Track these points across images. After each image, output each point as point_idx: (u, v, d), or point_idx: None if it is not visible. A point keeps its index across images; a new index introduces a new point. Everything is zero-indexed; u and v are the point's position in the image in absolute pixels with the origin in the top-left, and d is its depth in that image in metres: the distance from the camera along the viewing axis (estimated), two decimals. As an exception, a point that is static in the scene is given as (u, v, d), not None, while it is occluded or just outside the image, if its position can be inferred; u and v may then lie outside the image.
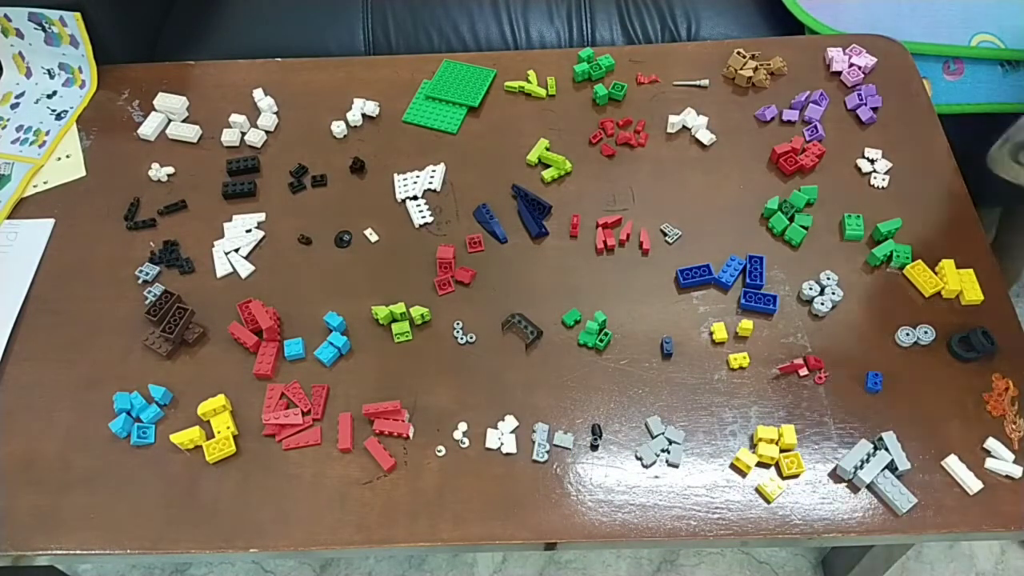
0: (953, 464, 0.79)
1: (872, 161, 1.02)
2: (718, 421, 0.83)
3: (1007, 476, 0.79)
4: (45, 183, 1.03)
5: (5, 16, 1.10)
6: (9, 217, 1.00)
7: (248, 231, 0.98)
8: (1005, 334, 0.87)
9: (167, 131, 1.08)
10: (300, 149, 1.06)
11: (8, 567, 0.97)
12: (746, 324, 0.88)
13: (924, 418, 0.83)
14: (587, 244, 0.96)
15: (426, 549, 0.78)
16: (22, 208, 1.01)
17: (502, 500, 0.79)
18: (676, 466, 0.81)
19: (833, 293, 0.90)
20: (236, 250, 0.97)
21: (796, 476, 0.80)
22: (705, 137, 1.04)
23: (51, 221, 1.00)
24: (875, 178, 1.00)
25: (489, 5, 1.30)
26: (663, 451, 0.81)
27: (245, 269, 0.95)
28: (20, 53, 1.14)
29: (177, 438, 0.82)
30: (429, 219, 0.99)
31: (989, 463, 0.80)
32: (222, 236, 0.98)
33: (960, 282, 0.90)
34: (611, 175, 1.02)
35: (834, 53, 1.11)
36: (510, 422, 0.83)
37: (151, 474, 0.81)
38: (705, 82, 1.10)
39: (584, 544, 0.78)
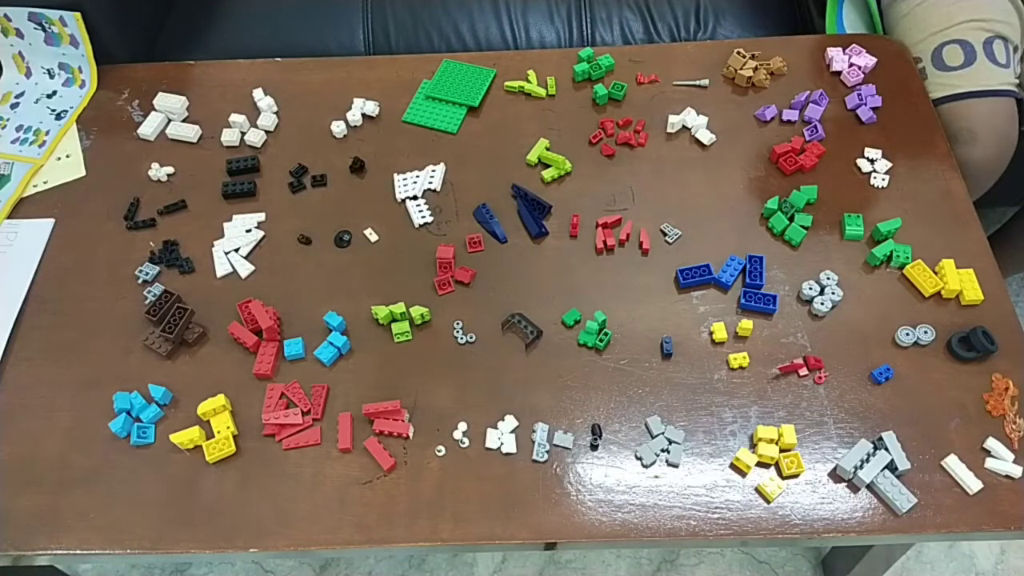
0: (953, 464, 0.79)
1: (872, 161, 1.02)
2: (718, 421, 0.83)
3: (1007, 476, 0.79)
4: (45, 183, 1.03)
5: (5, 16, 1.10)
6: (9, 217, 1.00)
7: (248, 231, 0.98)
8: (1005, 334, 0.87)
9: (167, 131, 1.08)
10: (300, 149, 1.06)
11: (8, 567, 0.97)
12: (746, 324, 0.88)
13: (924, 418, 0.83)
14: (587, 244, 0.96)
15: (426, 549, 0.78)
16: (22, 208, 1.01)
17: (502, 500, 0.79)
18: (676, 466, 0.81)
19: (833, 293, 0.90)
20: (236, 250, 0.97)
21: (796, 476, 0.80)
22: (705, 137, 1.04)
23: (51, 221, 1.00)
24: (875, 178, 1.00)
25: (489, 5, 1.30)
26: (663, 451, 0.81)
27: (245, 269, 0.95)
28: (20, 53, 1.14)
29: (177, 438, 0.82)
30: (429, 219, 0.99)
31: (989, 463, 0.80)
32: (222, 236, 0.98)
33: (960, 282, 0.90)
34: (611, 175, 1.02)
35: (834, 53, 1.11)
36: (510, 422, 0.83)
37: (151, 474, 0.81)
38: (705, 82, 1.10)
39: (584, 544, 0.78)
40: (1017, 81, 1.09)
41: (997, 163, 1.10)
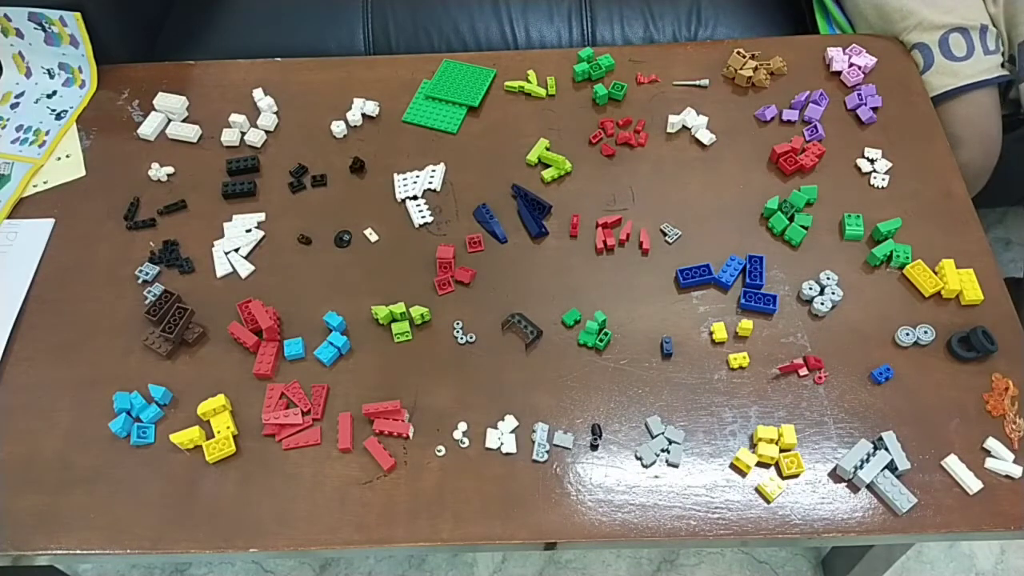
0: (953, 464, 0.79)
1: (872, 161, 1.02)
2: (718, 421, 0.83)
3: (1007, 476, 0.79)
4: (45, 183, 1.03)
5: (5, 16, 1.10)
6: (9, 217, 1.00)
7: (248, 231, 0.98)
8: (1005, 334, 0.87)
9: (167, 131, 1.08)
10: (300, 149, 1.06)
11: (8, 567, 0.97)
12: (746, 324, 0.88)
13: (924, 418, 0.83)
14: (587, 244, 0.96)
15: (426, 549, 0.78)
16: (22, 208, 1.01)
17: (502, 500, 0.79)
18: (676, 466, 0.81)
19: (833, 293, 0.90)
20: (236, 250, 0.97)
21: (796, 476, 0.80)
22: (705, 137, 1.04)
23: (51, 221, 1.00)
24: (875, 178, 1.00)
25: (489, 5, 1.30)
26: (663, 451, 0.81)
27: (245, 269, 0.95)
28: (20, 53, 1.14)
29: (177, 438, 0.82)
30: (429, 219, 0.99)
31: (989, 463, 0.80)
32: (222, 236, 0.98)
33: (960, 282, 0.90)
34: (611, 175, 1.02)
35: (834, 53, 1.11)
36: (510, 422, 0.83)
37: (151, 474, 0.81)
38: (705, 82, 1.10)
39: (584, 544, 0.78)
40: (992, 64, 1.07)
41: (984, 162, 1.09)
